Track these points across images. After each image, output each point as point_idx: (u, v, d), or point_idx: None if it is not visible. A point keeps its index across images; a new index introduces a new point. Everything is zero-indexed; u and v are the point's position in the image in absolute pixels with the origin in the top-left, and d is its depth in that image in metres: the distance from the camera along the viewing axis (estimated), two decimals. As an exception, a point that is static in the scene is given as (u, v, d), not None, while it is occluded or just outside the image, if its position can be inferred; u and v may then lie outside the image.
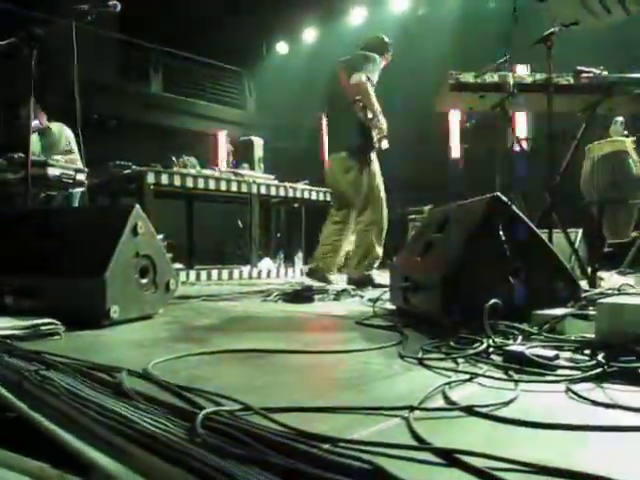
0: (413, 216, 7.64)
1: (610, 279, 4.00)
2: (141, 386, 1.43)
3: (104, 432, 1.09)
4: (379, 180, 4.52)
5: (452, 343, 1.94)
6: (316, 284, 4.03)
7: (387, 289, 3.27)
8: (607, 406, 1.26)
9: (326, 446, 1.00)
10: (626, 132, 5.07)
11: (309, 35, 9.80)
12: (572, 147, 4.12)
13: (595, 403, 1.28)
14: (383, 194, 4.54)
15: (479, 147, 6.85)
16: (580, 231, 5.20)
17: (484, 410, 1.23)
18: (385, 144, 4.62)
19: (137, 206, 2.84)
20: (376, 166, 4.54)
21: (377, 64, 4.51)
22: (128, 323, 2.66)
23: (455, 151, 8.18)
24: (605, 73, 4.00)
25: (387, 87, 8.38)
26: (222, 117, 10.85)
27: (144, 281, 2.83)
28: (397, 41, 8.40)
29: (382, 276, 4.27)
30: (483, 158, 6.78)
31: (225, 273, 6.19)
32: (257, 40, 10.44)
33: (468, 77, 3.93)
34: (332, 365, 1.79)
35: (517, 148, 4.79)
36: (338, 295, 3.83)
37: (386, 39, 4.74)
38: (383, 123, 4.46)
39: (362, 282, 4.30)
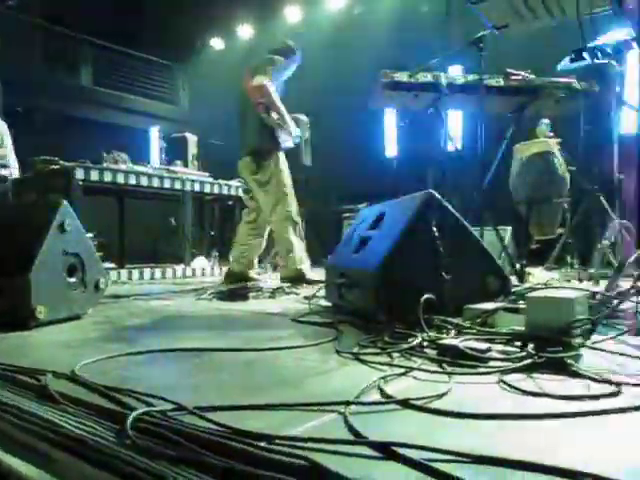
0: (348, 214, 7.69)
1: (538, 274, 4.15)
2: (68, 388, 1.37)
3: (25, 437, 1.03)
4: (287, 178, 4.55)
5: (387, 338, 1.96)
6: (243, 284, 3.99)
7: (322, 286, 3.27)
8: (536, 395, 1.30)
9: (262, 444, 0.98)
10: (551, 133, 5.26)
11: (245, 32, 9.71)
12: (501, 147, 4.24)
13: (525, 392, 1.32)
14: (292, 190, 4.57)
15: (414, 146, 6.96)
16: (509, 229, 5.36)
17: (419, 403, 1.24)
18: (290, 143, 4.67)
19: (65, 202, 2.73)
20: (284, 164, 4.56)
21: (280, 67, 4.52)
22: (56, 324, 2.56)
23: (390, 150, 8.28)
24: (532, 76, 4.13)
25: (323, 86, 8.45)
26: (154, 112, 10.61)
27: (72, 280, 2.72)
28: (333, 39, 8.50)
29: (317, 273, 4.27)
30: (418, 157, 6.91)
31: (158, 272, 6.05)
32: (191, 35, 10.26)
33: (402, 76, 3.98)
34: (268, 362, 1.77)
35: (450, 147, 4.88)
36: (273, 293, 3.80)
37: (290, 43, 4.76)
38: (290, 123, 4.49)
39: (295, 278, 4.28)
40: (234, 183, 6.72)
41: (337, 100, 8.17)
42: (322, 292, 3.25)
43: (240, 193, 6.74)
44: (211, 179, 6.70)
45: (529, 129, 5.22)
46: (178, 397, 1.24)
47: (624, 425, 1.12)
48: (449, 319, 2.07)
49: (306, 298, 3.33)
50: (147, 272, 5.96)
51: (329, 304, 3.12)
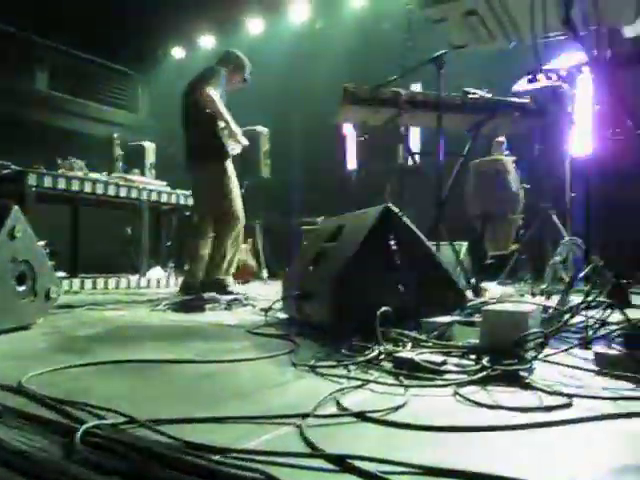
0: (307, 227, 7.70)
1: (492, 289, 4.22)
2: (13, 401, 1.32)
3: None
4: (235, 187, 4.53)
5: (344, 350, 1.96)
6: (207, 294, 3.94)
7: (279, 298, 3.25)
8: (491, 407, 1.32)
9: (216, 457, 0.97)
10: (507, 151, 5.40)
11: (207, 42, 9.66)
12: (458, 164, 4.31)
13: (480, 405, 1.33)
14: (239, 200, 4.56)
15: (373, 161, 7.03)
16: (465, 244, 5.45)
17: (376, 415, 1.24)
18: (238, 150, 4.67)
19: (16, 207, 2.65)
20: (232, 174, 4.55)
21: (225, 77, 4.52)
22: (3, 334, 2.47)
23: (350, 164, 8.33)
24: (490, 95, 4.23)
25: (284, 98, 8.46)
26: (112, 119, 10.42)
27: (22, 289, 2.64)
28: (295, 52, 8.54)
29: (275, 285, 4.25)
30: (377, 172, 6.97)
31: (112, 282, 5.92)
32: (153, 43, 10.15)
33: (363, 91, 4.02)
34: (223, 375, 1.75)
35: (409, 163, 4.95)
36: (230, 304, 3.77)
37: (238, 54, 4.77)
38: (237, 131, 4.49)
39: (215, 287, 4.22)
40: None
41: (298, 113, 8.21)
42: (279, 304, 3.23)
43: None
44: (169, 189, 6.61)
45: (485, 146, 5.33)
46: (131, 410, 1.21)
47: (576, 436, 1.14)
48: (406, 332, 2.08)
49: (263, 310, 3.30)
50: (101, 282, 5.82)
51: (286, 317, 3.10)
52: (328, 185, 7.91)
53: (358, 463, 0.93)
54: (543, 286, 4.14)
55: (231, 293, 4.17)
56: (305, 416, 1.21)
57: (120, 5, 8.59)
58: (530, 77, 2.96)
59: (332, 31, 8.38)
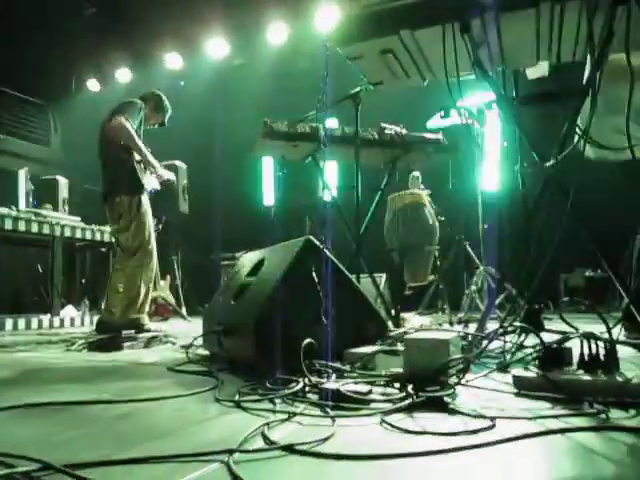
0: (227, 262, 7.63)
1: (412, 319, 4.31)
2: None
3: None
4: (149, 223, 4.44)
5: (269, 384, 1.93)
6: (124, 332, 3.79)
7: (200, 335, 3.18)
8: (418, 433, 1.33)
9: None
10: (422, 185, 5.59)
11: (124, 75, 9.50)
12: (376, 197, 4.42)
13: (407, 432, 1.34)
14: (153, 237, 4.47)
15: (292, 195, 7.08)
16: (384, 275, 5.56)
17: (304, 447, 1.22)
18: (157, 185, 4.60)
19: None
20: (147, 208, 4.46)
21: (141, 112, 4.46)
22: None
23: (269, 199, 8.37)
24: (405, 131, 4.39)
25: (203, 133, 8.43)
26: (22, 153, 10.01)
27: None
28: (214, 88, 8.56)
29: (194, 321, 4.15)
30: (295, 206, 7.03)
31: (22, 322, 5.60)
32: (67, 75, 9.89)
33: (282, 126, 4.07)
34: (144, 414, 1.68)
35: (327, 197, 5.02)
36: (148, 342, 3.64)
37: (161, 96, 4.75)
38: (155, 164, 4.43)
39: (132, 325, 4.07)
40: (108, 229, 6.45)
41: (217, 148, 8.19)
42: (200, 341, 3.15)
43: (114, 239, 6.50)
44: (83, 224, 6.39)
45: (402, 181, 5.49)
46: (45, 455, 1.13)
47: (502, 455, 1.16)
48: (330, 363, 2.08)
49: (183, 347, 3.22)
50: (9, 322, 5.50)
51: (208, 353, 3.03)
52: (248, 220, 7.91)
53: (289, 496, 0.91)
54: (461, 315, 4.28)
55: (149, 330, 4.03)
56: (232, 452, 1.17)
57: (30, 36, 8.36)
58: (443, 114, 3.09)
59: (251, 67, 8.48)
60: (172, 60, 8.91)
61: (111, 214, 4.36)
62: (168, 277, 7.18)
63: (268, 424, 1.41)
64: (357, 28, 2.58)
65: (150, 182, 4.48)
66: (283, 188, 7.97)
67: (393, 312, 4.11)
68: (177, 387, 2.13)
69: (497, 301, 2.83)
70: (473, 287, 4.71)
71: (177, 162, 6.64)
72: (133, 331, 3.82)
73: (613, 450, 1.18)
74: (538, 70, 3.00)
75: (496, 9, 2.39)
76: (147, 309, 4.35)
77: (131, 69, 9.44)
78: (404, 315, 4.28)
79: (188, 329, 4.41)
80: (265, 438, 1.31)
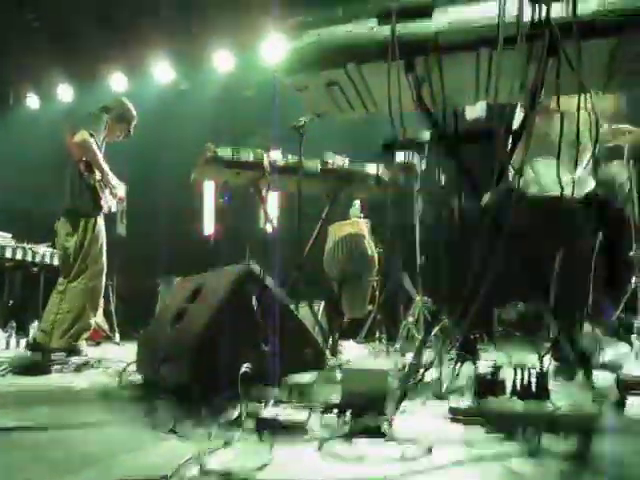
0: (164, 287, 7.48)
1: (349, 348, 4.32)
2: None
3: None
4: (102, 245, 4.30)
5: (205, 411, 1.89)
6: (55, 355, 3.63)
7: (133, 360, 3.09)
8: (354, 460, 1.33)
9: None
10: (362, 215, 5.65)
11: (65, 93, 9.26)
12: (317, 227, 4.45)
13: (345, 459, 1.34)
14: (104, 259, 4.33)
15: (233, 223, 7.05)
16: (322, 304, 5.55)
17: (241, 475, 1.20)
18: (113, 205, 4.48)
19: None
20: (101, 230, 4.32)
21: (105, 125, 4.32)
22: None
23: (210, 226, 8.29)
24: (346, 162, 4.46)
25: (145, 156, 8.30)
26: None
27: None
28: (159, 112, 8.47)
29: (130, 347, 4.03)
30: (236, 234, 6.98)
31: (-62, 347, 5.30)
32: (4, 89, 9.59)
33: (226, 152, 4.06)
34: (74, 441, 1.61)
35: (268, 226, 5.02)
36: (79, 367, 3.50)
37: (126, 103, 4.62)
38: (115, 183, 4.32)
39: (64, 349, 3.88)
40: (41, 249, 6.23)
41: (159, 172, 8.09)
42: (134, 367, 3.06)
43: (47, 260, 6.28)
44: (13, 243, 6.13)
45: (343, 211, 5.55)
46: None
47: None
48: (267, 390, 2.06)
49: (116, 373, 3.11)
50: None
51: (142, 380, 2.94)
52: (188, 245, 7.80)
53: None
54: (397, 345, 4.32)
55: (81, 355, 3.88)
56: (167, 479, 1.14)
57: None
58: (385, 148, 3.16)
59: (197, 93, 8.46)
60: (117, 81, 8.77)
61: (64, 231, 4.16)
62: (102, 301, 6.96)
63: (204, 451, 1.38)
64: (303, 59, 2.62)
65: (108, 202, 4.33)
66: (225, 215, 7.92)
67: (331, 341, 4.11)
68: (109, 414, 2.07)
69: (432, 332, 2.88)
70: (410, 318, 4.78)
71: (118, 183, 6.51)
72: (64, 354, 3.67)
73: (543, 475, 1.21)
74: (476, 110, 3.13)
75: (439, 51, 2.49)
76: (86, 335, 4.17)
77: (73, 87, 9.22)
78: (342, 344, 4.29)
79: (121, 355, 4.26)
80: (201, 465, 1.28)
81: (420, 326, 4.42)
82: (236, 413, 1.79)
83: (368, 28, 2.42)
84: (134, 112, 4.56)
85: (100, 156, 4.10)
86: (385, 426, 1.60)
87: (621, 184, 3.57)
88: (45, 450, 1.51)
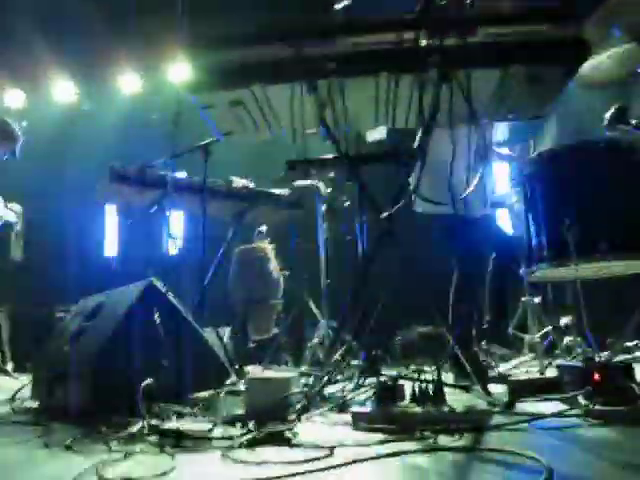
0: (62, 314, 7.12)
1: (255, 372, 4.29)
2: None
3: None
4: None
5: (104, 429, 1.82)
6: None
7: (25, 385, 2.93)
8: (259, 464, 1.33)
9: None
10: (268, 239, 5.67)
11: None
12: (221, 249, 4.43)
13: (249, 463, 1.34)
14: None
15: (135, 246, 6.86)
16: (228, 329, 5.49)
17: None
18: None
19: None
20: None
21: None
22: None
23: (110, 249, 8.03)
24: (252, 184, 4.48)
25: (44, 177, 7.93)
26: None
27: None
28: (60, 132, 8.15)
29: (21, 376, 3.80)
30: (138, 257, 6.79)
31: None
32: None
33: (129, 171, 3.98)
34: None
35: (171, 248, 4.94)
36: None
37: (9, 122, 4.47)
38: None
39: None
40: None
41: (59, 192, 7.76)
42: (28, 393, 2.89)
43: None
44: None
45: (248, 235, 5.55)
46: None
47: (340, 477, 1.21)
48: (170, 406, 2.02)
49: (8, 400, 2.93)
50: None
51: (37, 405, 2.78)
52: (88, 270, 7.50)
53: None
54: (304, 367, 4.35)
55: None
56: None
57: None
58: (288, 168, 3.21)
59: (101, 114, 8.24)
60: (14, 97, 8.34)
61: None
62: (-9, 331, 6.53)
63: (103, 463, 1.34)
64: (209, 78, 2.64)
65: None
66: (126, 238, 7.70)
67: (237, 365, 4.06)
68: (1, 436, 1.95)
69: (337, 354, 2.95)
70: (315, 340, 4.83)
71: (13, 205, 6.18)
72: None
73: (441, 467, 1.27)
74: (377, 133, 3.26)
75: (340, 74, 2.59)
76: None
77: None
78: (248, 368, 4.25)
79: (14, 386, 4.00)
80: (100, 477, 1.24)
81: (325, 347, 4.47)
82: (137, 427, 1.74)
83: (273, 48, 2.49)
84: (18, 132, 4.41)
85: None
86: (289, 433, 1.62)
87: (511, 205, 3.83)
88: None
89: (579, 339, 3.68)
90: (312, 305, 5.25)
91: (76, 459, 1.47)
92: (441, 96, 2.55)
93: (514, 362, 3.75)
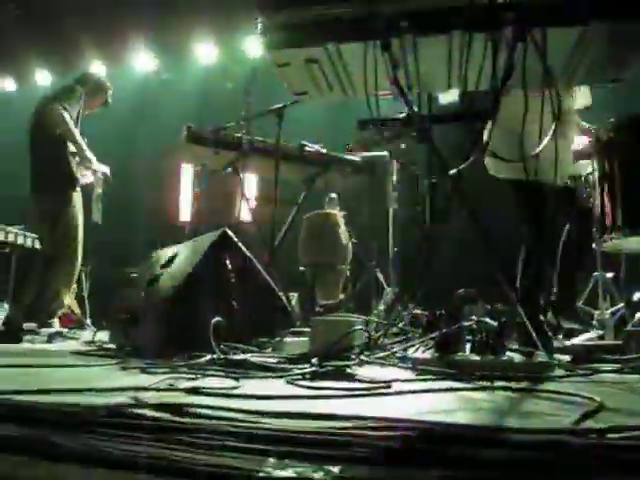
0: (135, 274, 7.45)
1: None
2: None
3: None
4: (79, 223, 4.26)
5: (176, 360, 1.94)
6: (26, 325, 3.63)
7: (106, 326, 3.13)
8: (320, 389, 1.41)
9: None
10: (338, 207, 5.73)
11: (43, 78, 9.19)
12: (292, 212, 4.52)
13: (311, 387, 1.42)
14: (81, 236, 4.32)
15: (209, 212, 7.06)
16: (296, 295, 5.61)
17: (209, 391, 1.27)
18: (90, 178, 4.47)
19: None
20: (78, 207, 4.28)
21: (80, 96, 4.27)
22: None
23: (185, 215, 8.28)
24: (324, 150, 4.53)
25: (122, 145, 8.28)
26: None
27: None
28: (138, 101, 8.47)
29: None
30: (213, 224, 6.99)
31: None
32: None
33: (204, 132, 4.10)
34: (53, 372, 1.66)
35: (245, 209, 5.07)
36: (51, 337, 3.52)
37: (99, 75, 4.63)
38: (91, 158, 4.26)
39: (37, 322, 3.86)
40: (13, 229, 6.19)
41: (139, 160, 8.09)
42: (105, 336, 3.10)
43: (19, 240, 6.24)
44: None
45: (318, 199, 5.62)
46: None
47: (395, 401, 1.27)
48: (239, 345, 2.13)
49: (87, 343, 3.15)
50: None
51: (114, 346, 2.98)
52: (164, 234, 7.79)
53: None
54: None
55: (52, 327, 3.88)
56: (140, 389, 1.21)
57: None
58: (359, 126, 3.23)
59: (178, 83, 8.48)
60: (96, 69, 8.73)
61: (38, 211, 4.15)
62: (74, 287, 6.92)
63: (176, 378, 1.45)
64: (286, 35, 2.69)
65: (85, 177, 4.33)
66: (200, 204, 7.92)
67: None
68: (82, 361, 2.12)
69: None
70: (381, 307, 4.88)
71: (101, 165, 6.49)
72: (35, 325, 3.68)
73: (495, 400, 1.31)
74: (449, 96, 3.24)
75: (413, 31, 2.58)
76: (60, 313, 4.17)
77: (52, 72, 9.16)
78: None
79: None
80: (171, 385, 1.34)
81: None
82: (207, 357, 1.85)
83: (348, 5, 2.51)
84: (108, 83, 4.58)
85: (74, 129, 4.09)
86: (349, 369, 1.68)
87: (587, 177, 3.70)
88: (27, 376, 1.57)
89: (654, 314, 3.55)
90: (378, 273, 5.30)
91: (150, 379, 1.58)
92: (516, 55, 2.51)
93: (581, 338, 3.67)
